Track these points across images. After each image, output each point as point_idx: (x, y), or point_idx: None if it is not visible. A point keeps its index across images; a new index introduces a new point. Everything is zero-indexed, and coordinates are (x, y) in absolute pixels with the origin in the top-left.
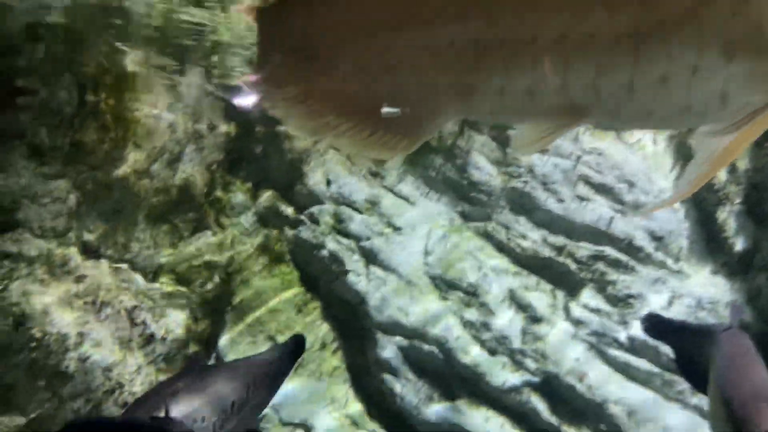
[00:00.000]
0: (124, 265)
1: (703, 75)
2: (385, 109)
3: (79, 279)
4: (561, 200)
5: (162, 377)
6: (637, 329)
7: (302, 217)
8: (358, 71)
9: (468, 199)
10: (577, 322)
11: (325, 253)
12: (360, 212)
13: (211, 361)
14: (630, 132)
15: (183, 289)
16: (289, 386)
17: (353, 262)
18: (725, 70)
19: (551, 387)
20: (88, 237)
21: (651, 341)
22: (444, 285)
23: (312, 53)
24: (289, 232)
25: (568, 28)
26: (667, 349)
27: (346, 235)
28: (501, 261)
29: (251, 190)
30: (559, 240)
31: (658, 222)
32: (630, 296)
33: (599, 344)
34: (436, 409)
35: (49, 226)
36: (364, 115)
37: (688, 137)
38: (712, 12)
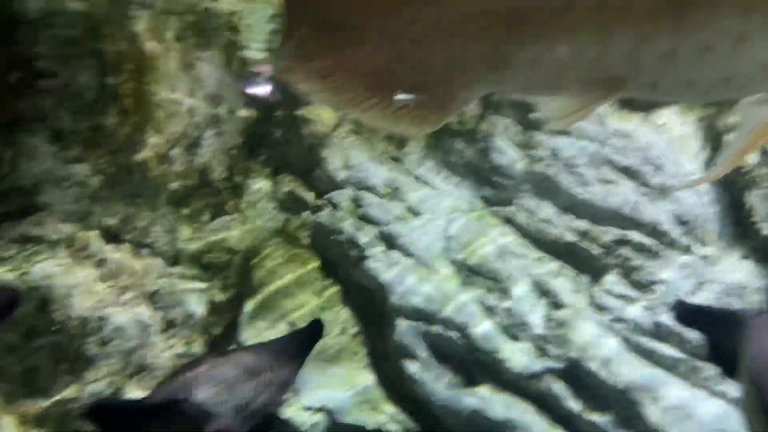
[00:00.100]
0: (145, 250)
1: (749, 44)
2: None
3: (101, 263)
4: (585, 184)
5: (183, 361)
6: (662, 315)
7: (322, 201)
8: (385, 44)
9: (490, 183)
10: (601, 308)
11: (344, 237)
12: (380, 197)
13: (232, 346)
14: (658, 113)
15: (203, 273)
16: (309, 370)
17: (373, 247)
18: None
19: (574, 373)
20: (109, 221)
21: (676, 327)
22: (465, 270)
23: (338, 26)
24: (309, 217)
25: None
26: (693, 335)
27: (366, 219)
28: (524, 246)
29: (271, 175)
30: (583, 224)
31: (685, 206)
32: (655, 282)
33: (623, 330)
34: (456, 395)
35: (71, 210)
36: (392, 89)
37: (717, 119)
38: None
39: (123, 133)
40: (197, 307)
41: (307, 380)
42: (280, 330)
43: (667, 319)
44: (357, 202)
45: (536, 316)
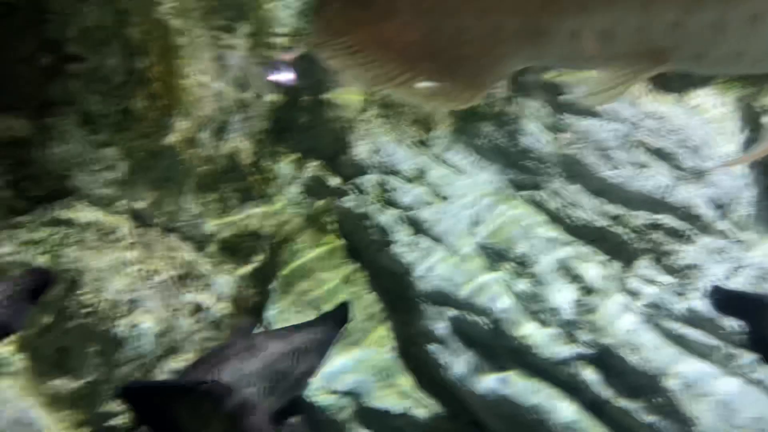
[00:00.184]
0: (173, 234)
1: None
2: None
3: (130, 247)
4: (616, 167)
5: (211, 345)
6: (695, 301)
7: (348, 186)
8: (419, 17)
9: (518, 166)
10: (632, 294)
11: (371, 223)
12: (407, 181)
13: (259, 329)
14: (692, 94)
15: (231, 257)
16: (336, 355)
17: (400, 232)
18: None
19: (604, 359)
20: (138, 205)
21: (710, 313)
22: (493, 255)
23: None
24: (336, 203)
25: None
26: (727, 322)
27: (393, 204)
28: (553, 230)
29: (297, 159)
30: (614, 209)
31: (720, 189)
32: (688, 267)
33: (655, 316)
34: (484, 380)
35: (100, 194)
36: (426, 64)
37: (755, 100)
38: None
39: (151, 116)
40: (225, 289)
41: (334, 364)
42: (307, 314)
43: (700, 304)
44: (383, 187)
45: (565, 301)
